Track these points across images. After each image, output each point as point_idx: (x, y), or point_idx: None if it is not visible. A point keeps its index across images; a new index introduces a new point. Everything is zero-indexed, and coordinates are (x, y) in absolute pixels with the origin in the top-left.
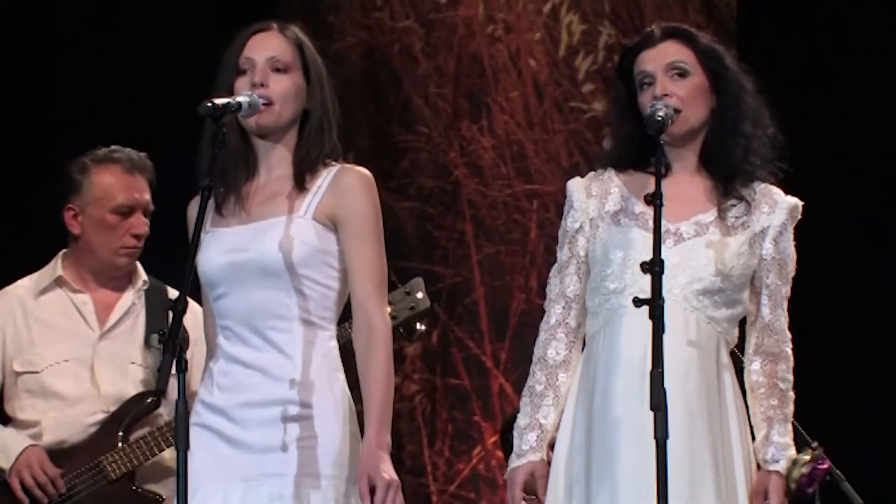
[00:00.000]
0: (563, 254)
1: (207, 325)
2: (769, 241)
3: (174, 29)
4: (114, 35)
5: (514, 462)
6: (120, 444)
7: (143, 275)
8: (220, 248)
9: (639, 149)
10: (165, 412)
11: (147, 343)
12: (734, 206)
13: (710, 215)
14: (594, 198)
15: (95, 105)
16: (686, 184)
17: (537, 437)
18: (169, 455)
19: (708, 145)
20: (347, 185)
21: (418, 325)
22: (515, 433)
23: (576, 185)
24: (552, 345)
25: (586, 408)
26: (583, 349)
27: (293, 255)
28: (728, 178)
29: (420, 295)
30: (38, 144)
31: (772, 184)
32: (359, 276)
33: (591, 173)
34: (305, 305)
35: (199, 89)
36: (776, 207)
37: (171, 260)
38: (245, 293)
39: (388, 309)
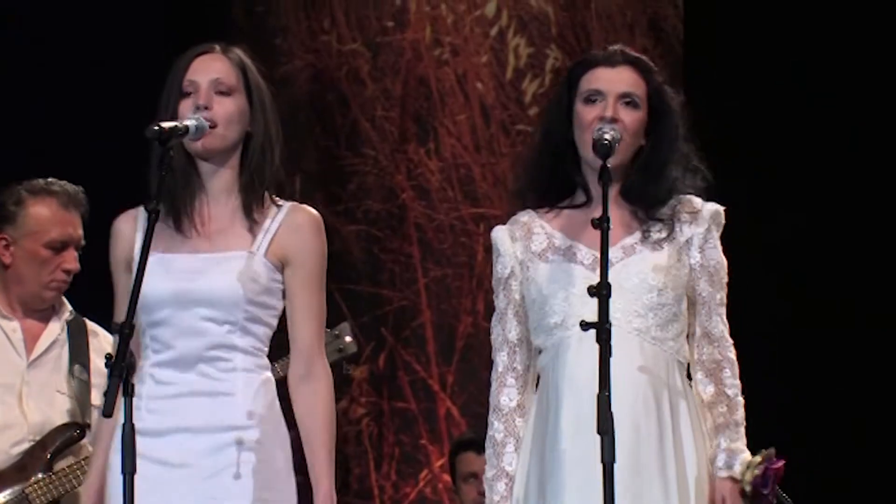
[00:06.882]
0: (499, 301)
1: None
2: (695, 249)
3: (121, 49)
4: (49, 54)
5: None
6: (45, 474)
7: (68, 306)
8: (166, 273)
9: (556, 176)
10: (90, 443)
11: (71, 373)
12: (656, 225)
13: (635, 237)
14: (518, 241)
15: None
16: (609, 212)
17: (506, 485)
18: None
19: (631, 181)
20: (300, 225)
21: (345, 369)
22: (486, 485)
23: (499, 233)
24: (504, 392)
25: (540, 443)
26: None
27: (242, 292)
28: (649, 207)
29: (348, 339)
30: None
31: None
32: (303, 322)
33: (512, 218)
34: (246, 339)
35: (147, 112)
36: (697, 216)
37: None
38: (187, 321)
39: None
